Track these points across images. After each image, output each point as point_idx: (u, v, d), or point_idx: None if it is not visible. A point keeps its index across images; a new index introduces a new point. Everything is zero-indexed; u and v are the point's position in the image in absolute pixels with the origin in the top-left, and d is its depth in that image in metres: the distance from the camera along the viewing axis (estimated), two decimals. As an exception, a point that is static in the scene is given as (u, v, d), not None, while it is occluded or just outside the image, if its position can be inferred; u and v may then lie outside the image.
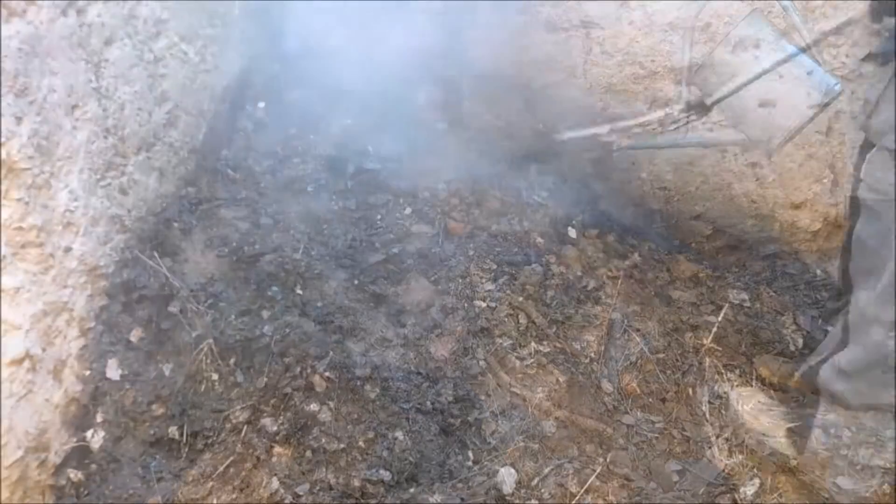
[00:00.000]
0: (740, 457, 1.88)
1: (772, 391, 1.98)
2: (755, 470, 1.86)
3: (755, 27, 2.44)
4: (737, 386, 2.04)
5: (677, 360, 2.10)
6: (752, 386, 2.02)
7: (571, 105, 2.95)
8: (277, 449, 1.68)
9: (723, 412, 2.02)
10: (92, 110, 1.66)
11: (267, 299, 1.97)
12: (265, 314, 1.93)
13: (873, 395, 1.53)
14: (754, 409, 1.92)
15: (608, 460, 1.81)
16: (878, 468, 1.54)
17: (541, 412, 1.89)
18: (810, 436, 1.67)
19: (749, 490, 1.83)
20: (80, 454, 1.63)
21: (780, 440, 1.82)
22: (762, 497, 1.84)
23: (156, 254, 1.92)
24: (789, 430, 1.78)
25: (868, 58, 1.57)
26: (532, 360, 2.02)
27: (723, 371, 2.14)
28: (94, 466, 1.62)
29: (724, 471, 1.86)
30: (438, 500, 1.62)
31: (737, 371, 2.17)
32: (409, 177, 2.65)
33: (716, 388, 2.10)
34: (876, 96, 1.48)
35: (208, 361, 1.81)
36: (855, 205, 1.56)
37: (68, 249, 1.57)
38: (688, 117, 2.58)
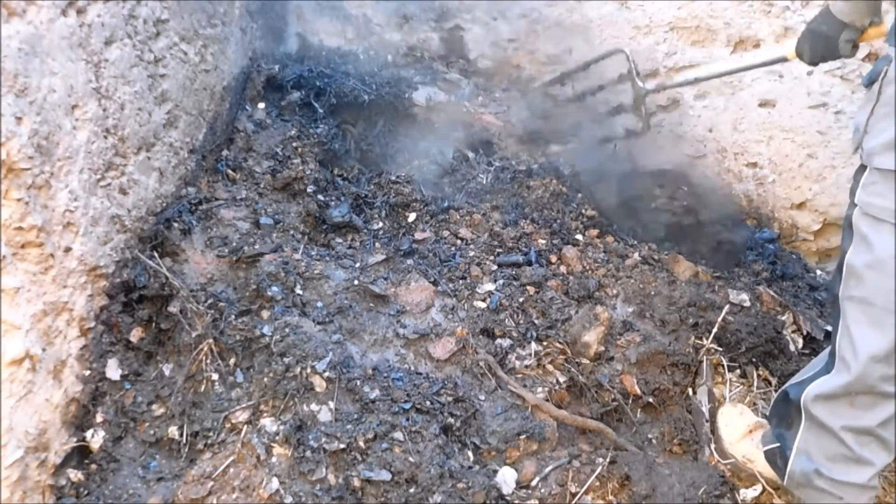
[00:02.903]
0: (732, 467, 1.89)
1: (754, 415, 1.98)
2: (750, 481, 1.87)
3: None
4: (723, 405, 2.03)
5: (677, 361, 2.10)
6: (736, 406, 2.01)
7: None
8: (277, 449, 1.68)
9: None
10: (92, 110, 1.66)
11: (267, 299, 1.97)
12: (265, 314, 1.93)
13: (854, 418, 1.51)
14: (735, 431, 1.92)
15: (608, 460, 1.81)
16: (853, 485, 1.53)
17: (541, 412, 1.89)
18: (789, 461, 1.66)
19: (749, 495, 1.83)
20: (80, 454, 1.63)
21: (760, 465, 1.82)
22: (763, 498, 1.84)
23: (156, 254, 1.92)
24: (766, 453, 1.77)
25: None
26: (532, 361, 2.02)
27: (723, 371, 2.15)
28: (94, 466, 1.62)
29: (723, 472, 1.87)
30: (438, 500, 1.62)
31: (737, 371, 2.17)
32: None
33: (715, 388, 2.11)
34: (864, 120, 1.45)
35: (208, 361, 1.81)
36: (847, 229, 1.52)
37: (68, 249, 1.57)
38: None
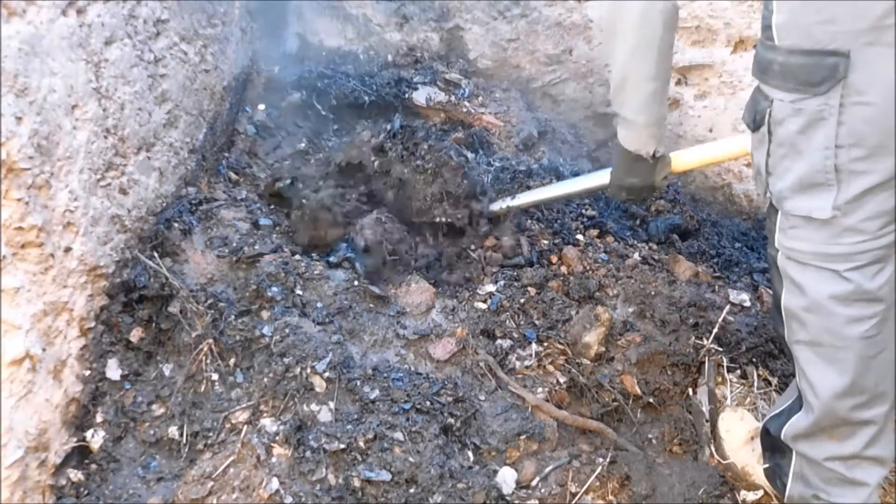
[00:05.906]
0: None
1: (755, 420, 1.96)
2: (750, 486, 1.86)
3: None
4: (724, 410, 2.02)
5: (678, 361, 2.10)
6: (737, 411, 2.00)
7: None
8: (277, 449, 1.68)
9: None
10: (92, 110, 1.66)
11: (267, 299, 1.97)
12: (265, 314, 1.93)
13: (838, 448, 1.50)
14: (736, 437, 1.91)
15: (608, 460, 1.81)
16: None
17: (541, 412, 1.89)
18: (787, 481, 1.65)
19: (750, 497, 1.83)
20: (80, 454, 1.63)
21: (760, 479, 1.81)
22: (763, 499, 1.84)
23: (156, 254, 1.92)
24: (766, 471, 1.76)
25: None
26: (532, 361, 2.02)
27: (723, 372, 2.14)
28: (94, 466, 1.62)
29: (723, 473, 1.86)
30: (438, 501, 1.62)
31: (737, 372, 2.16)
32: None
33: (716, 388, 2.10)
34: (763, 162, 1.42)
35: (208, 361, 1.81)
36: (774, 269, 1.49)
37: (68, 249, 1.57)
38: None
